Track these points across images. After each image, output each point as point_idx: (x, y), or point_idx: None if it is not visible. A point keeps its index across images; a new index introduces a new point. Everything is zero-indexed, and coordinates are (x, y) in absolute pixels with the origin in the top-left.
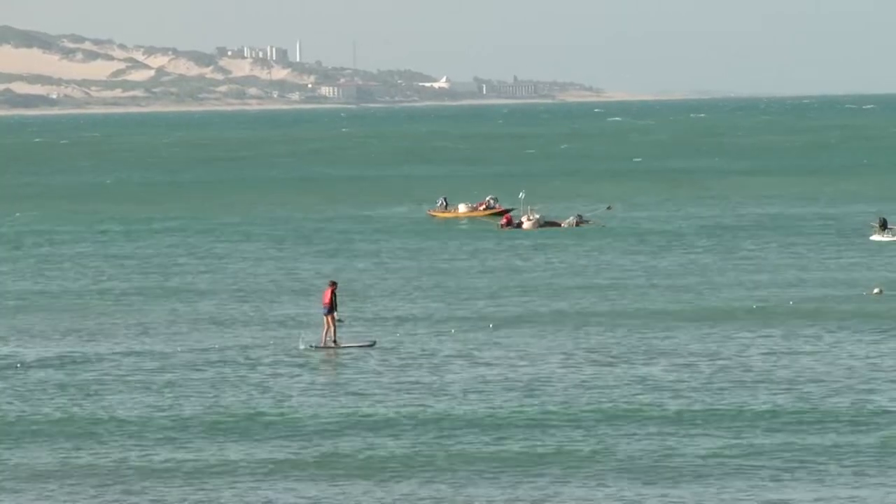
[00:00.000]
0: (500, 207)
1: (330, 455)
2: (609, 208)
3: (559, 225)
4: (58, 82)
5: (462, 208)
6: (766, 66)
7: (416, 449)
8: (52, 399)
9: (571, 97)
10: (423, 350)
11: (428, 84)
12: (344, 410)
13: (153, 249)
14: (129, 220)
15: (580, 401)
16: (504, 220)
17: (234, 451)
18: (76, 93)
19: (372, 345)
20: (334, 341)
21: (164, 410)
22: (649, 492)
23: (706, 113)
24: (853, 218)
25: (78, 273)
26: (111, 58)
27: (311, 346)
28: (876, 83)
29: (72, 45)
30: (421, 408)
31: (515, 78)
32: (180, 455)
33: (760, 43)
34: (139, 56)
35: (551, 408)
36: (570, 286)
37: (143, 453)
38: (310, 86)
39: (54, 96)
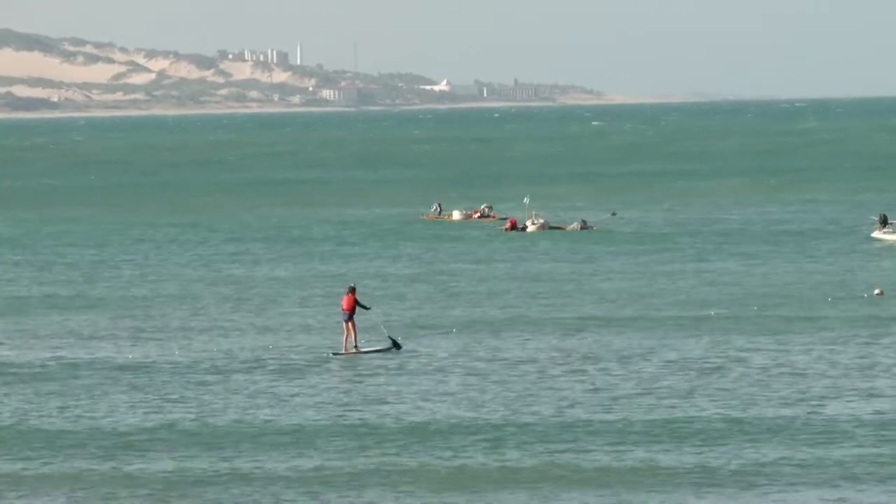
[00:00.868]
0: (495, 216)
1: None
2: (614, 214)
3: (563, 230)
4: (59, 85)
5: (456, 215)
6: (769, 69)
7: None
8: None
9: (572, 100)
10: (450, 355)
11: (428, 87)
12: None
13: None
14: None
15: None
16: (508, 226)
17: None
18: (77, 96)
19: (390, 348)
20: (356, 347)
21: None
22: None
23: (680, 116)
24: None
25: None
26: (112, 61)
27: (332, 354)
28: (878, 85)
29: (73, 49)
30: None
31: (516, 81)
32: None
33: (764, 46)
34: (140, 59)
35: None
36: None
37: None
38: (311, 89)
39: (55, 99)
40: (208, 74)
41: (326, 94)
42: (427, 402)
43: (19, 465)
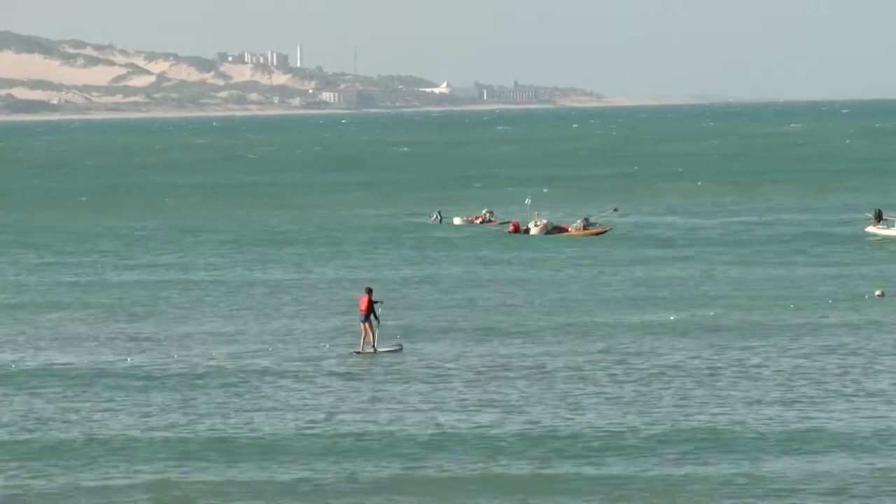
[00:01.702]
0: (496, 221)
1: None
2: (615, 210)
3: (567, 230)
4: (59, 88)
5: (457, 221)
6: (770, 70)
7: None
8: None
9: (572, 102)
10: (453, 357)
11: (429, 89)
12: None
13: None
14: None
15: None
16: (511, 227)
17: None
18: (77, 98)
19: (400, 349)
20: (373, 347)
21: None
22: None
23: (673, 118)
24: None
25: None
26: (112, 63)
27: (354, 353)
28: (886, 86)
29: (73, 51)
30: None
31: (516, 83)
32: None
33: (765, 47)
34: (140, 61)
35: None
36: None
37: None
38: (310, 91)
39: (55, 102)
40: (208, 77)
41: (326, 96)
42: (429, 410)
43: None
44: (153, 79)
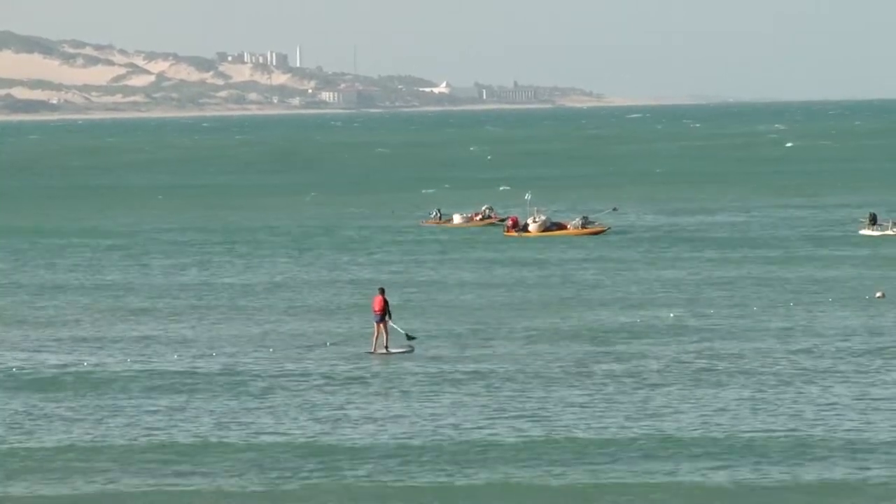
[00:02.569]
0: (496, 217)
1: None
2: (615, 209)
3: (565, 227)
4: (58, 87)
5: (457, 219)
6: (770, 70)
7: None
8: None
9: (572, 102)
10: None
11: (428, 89)
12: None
13: None
14: None
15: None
16: (510, 222)
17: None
18: (77, 98)
19: (413, 349)
20: (385, 347)
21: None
22: None
23: (649, 119)
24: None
25: None
26: (112, 63)
27: (367, 353)
28: (882, 86)
29: (72, 51)
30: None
31: (516, 83)
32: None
33: (766, 47)
34: (140, 61)
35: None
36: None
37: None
38: (310, 91)
39: (55, 101)
40: (208, 76)
41: (326, 96)
42: (444, 415)
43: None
44: (153, 79)
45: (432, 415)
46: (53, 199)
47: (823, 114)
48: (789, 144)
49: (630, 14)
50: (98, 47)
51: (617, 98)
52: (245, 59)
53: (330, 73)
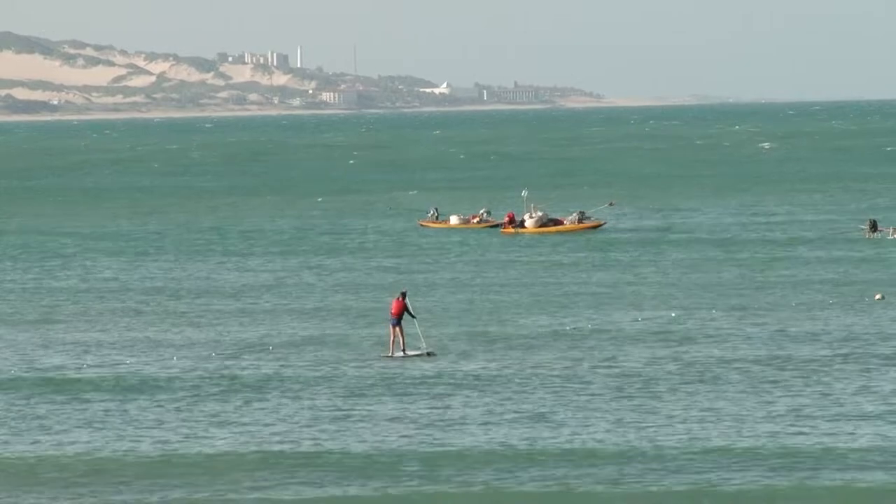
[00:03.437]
0: (493, 220)
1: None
2: (611, 204)
3: (562, 223)
4: (59, 88)
5: (454, 220)
6: (770, 71)
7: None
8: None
9: (572, 103)
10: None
11: (429, 90)
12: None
13: None
14: None
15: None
16: (507, 219)
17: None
18: (77, 98)
19: (427, 354)
20: (402, 351)
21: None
22: None
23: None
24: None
25: None
26: (112, 63)
27: (381, 356)
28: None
29: (73, 51)
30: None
31: (516, 84)
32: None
33: (766, 48)
34: (140, 62)
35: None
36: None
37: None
38: (311, 91)
39: (55, 102)
40: (208, 77)
41: (326, 96)
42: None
43: None
44: (153, 79)
45: (430, 417)
46: None
47: (810, 114)
48: (767, 145)
49: (630, 14)
50: (98, 48)
51: (617, 98)
52: (246, 60)
53: (330, 73)
